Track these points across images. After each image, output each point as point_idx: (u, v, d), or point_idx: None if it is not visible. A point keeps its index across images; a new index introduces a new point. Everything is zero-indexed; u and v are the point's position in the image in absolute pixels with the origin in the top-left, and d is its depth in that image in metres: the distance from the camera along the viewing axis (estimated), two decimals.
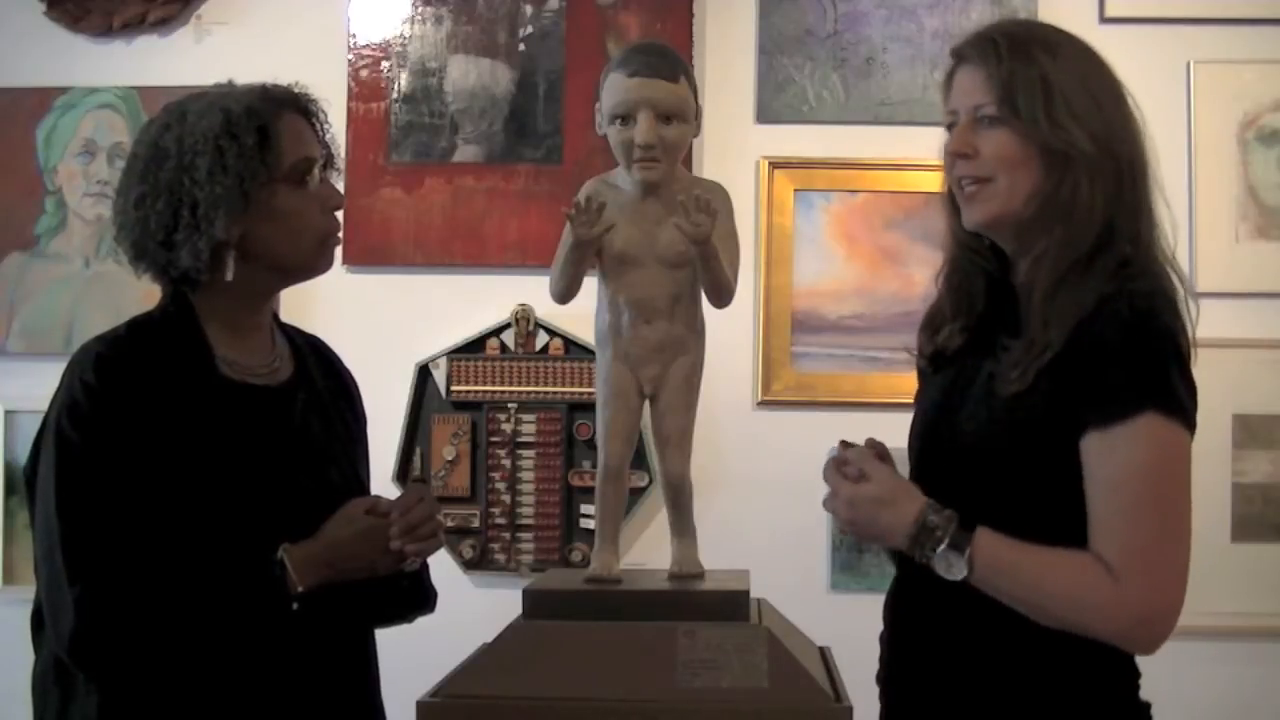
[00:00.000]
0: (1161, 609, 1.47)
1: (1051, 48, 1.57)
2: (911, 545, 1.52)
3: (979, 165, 1.59)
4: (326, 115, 1.79)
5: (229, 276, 1.68)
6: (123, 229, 1.70)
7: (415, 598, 1.84)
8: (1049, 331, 1.52)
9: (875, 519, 1.56)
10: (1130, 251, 1.55)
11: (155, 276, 1.72)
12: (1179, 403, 1.48)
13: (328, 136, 1.79)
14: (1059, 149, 1.54)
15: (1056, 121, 1.54)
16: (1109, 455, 1.48)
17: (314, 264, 1.76)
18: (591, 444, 2.95)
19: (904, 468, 1.68)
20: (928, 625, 1.60)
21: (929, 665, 1.60)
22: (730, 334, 2.93)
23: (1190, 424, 1.50)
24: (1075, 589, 1.47)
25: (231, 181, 1.64)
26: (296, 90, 1.76)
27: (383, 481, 2.82)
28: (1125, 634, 1.49)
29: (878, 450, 1.64)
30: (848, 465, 1.59)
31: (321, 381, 1.83)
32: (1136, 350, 1.48)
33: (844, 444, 1.63)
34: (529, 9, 3.13)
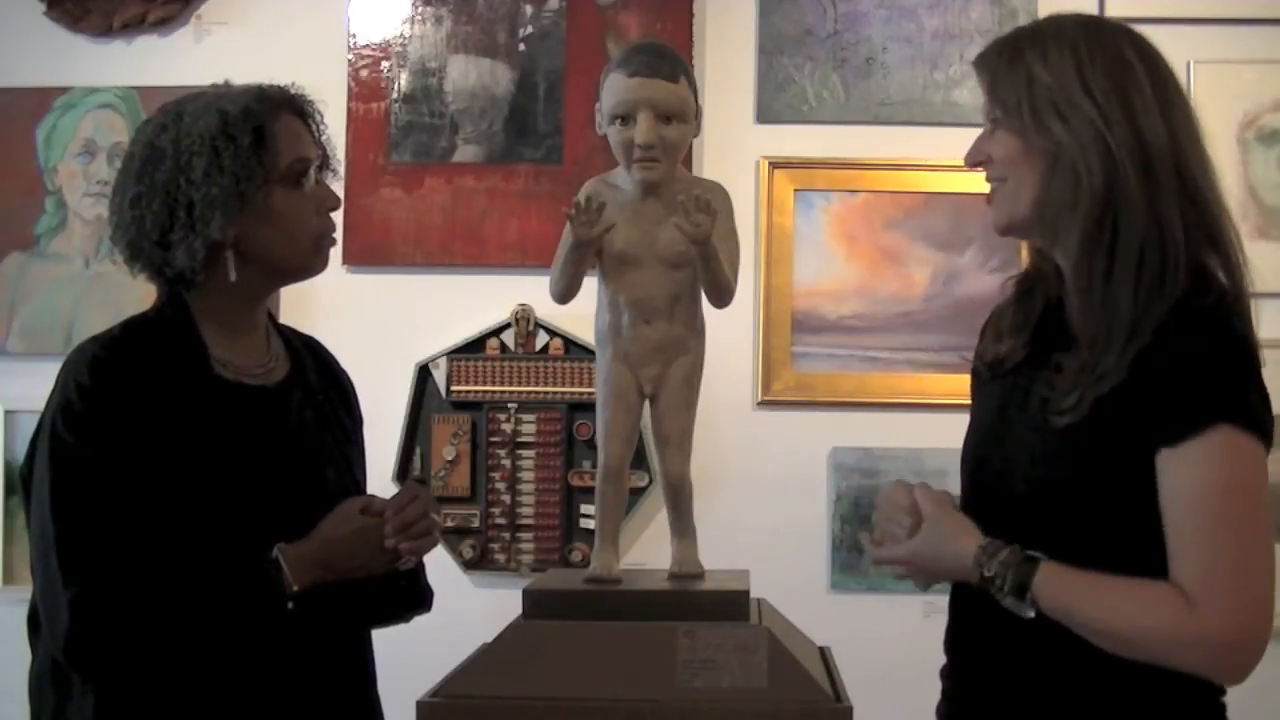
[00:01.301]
0: (1245, 635, 1.40)
1: (1043, 45, 1.54)
2: (980, 585, 1.48)
3: (992, 169, 1.59)
4: (323, 116, 1.79)
5: (232, 277, 1.68)
6: (118, 229, 1.70)
7: (412, 597, 1.84)
8: (1104, 357, 1.46)
9: (938, 564, 1.52)
10: (1172, 252, 1.47)
11: (151, 276, 1.72)
12: (1253, 414, 1.42)
13: (324, 137, 1.79)
14: (1047, 147, 1.52)
15: (1039, 118, 1.51)
16: (1183, 472, 1.41)
17: (309, 265, 1.76)
18: (591, 444, 2.95)
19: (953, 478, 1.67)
20: (993, 661, 1.55)
21: (997, 700, 1.55)
22: (730, 334, 2.93)
23: (1266, 436, 1.43)
24: (1150, 620, 1.40)
25: (227, 182, 1.64)
26: (293, 91, 1.76)
27: (383, 481, 2.82)
28: (1206, 665, 1.42)
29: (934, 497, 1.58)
30: (888, 508, 1.56)
31: (317, 382, 1.83)
32: (1205, 363, 1.42)
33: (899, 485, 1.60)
34: (529, 9, 3.12)
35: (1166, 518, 1.43)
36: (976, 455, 1.64)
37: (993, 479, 1.58)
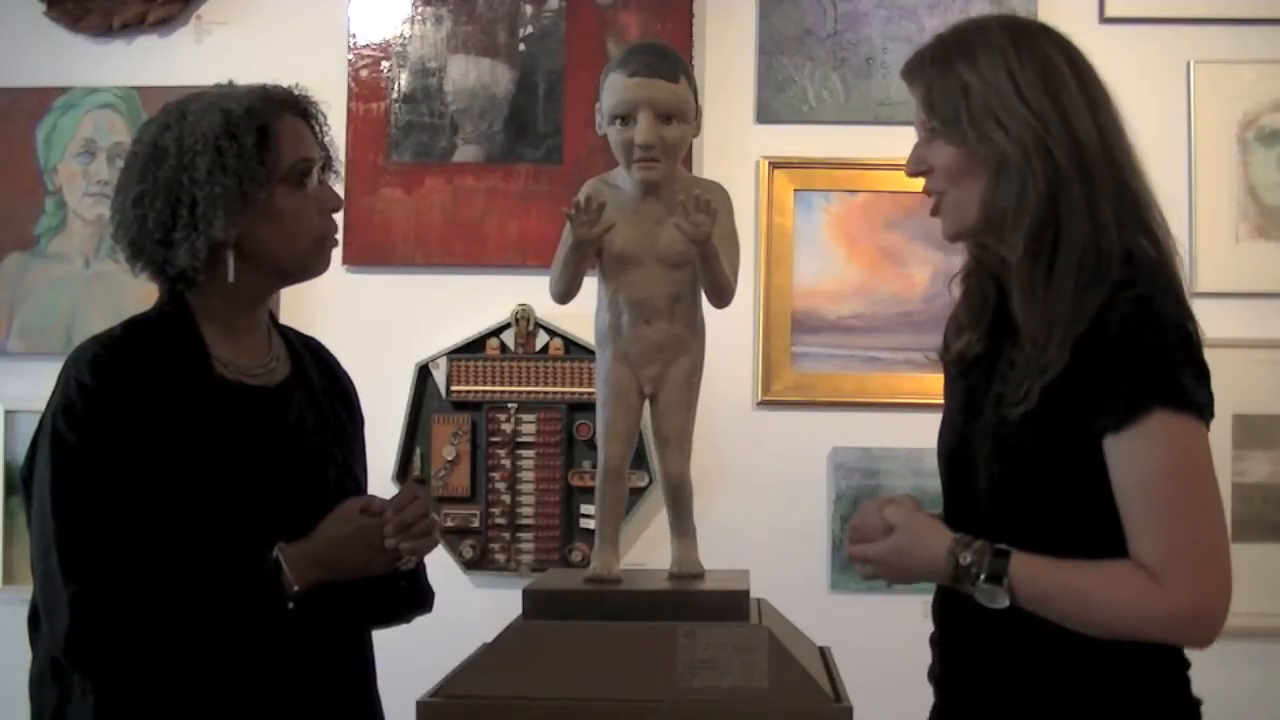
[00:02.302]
0: (1207, 604, 1.46)
1: (971, 52, 1.56)
2: (954, 583, 1.53)
3: (934, 180, 1.62)
4: (326, 118, 1.80)
5: (231, 277, 1.68)
6: (121, 227, 1.70)
7: (412, 598, 1.84)
8: (1045, 349, 1.51)
9: (909, 569, 1.57)
10: (1105, 246, 1.51)
11: (152, 275, 1.72)
12: (1187, 396, 1.48)
13: (326, 139, 1.79)
14: (989, 156, 1.54)
15: (979, 127, 1.54)
16: (1127, 459, 1.48)
17: (310, 265, 1.76)
18: (591, 444, 2.95)
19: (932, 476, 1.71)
20: (978, 625, 1.58)
21: (982, 665, 1.60)
22: (730, 334, 2.93)
23: (1204, 415, 1.50)
24: (1118, 599, 1.46)
25: (231, 181, 1.64)
26: (296, 92, 1.76)
27: (383, 481, 2.82)
28: (1175, 634, 1.49)
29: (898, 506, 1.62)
30: (863, 528, 1.60)
31: (318, 382, 1.83)
32: (1139, 350, 1.48)
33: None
34: (529, 9, 3.12)
35: (1119, 501, 1.49)
36: (947, 449, 1.70)
37: (962, 471, 1.63)
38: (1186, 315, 1.52)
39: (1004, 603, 1.49)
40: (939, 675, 1.69)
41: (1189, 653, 1.57)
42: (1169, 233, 1.58)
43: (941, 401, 1.76)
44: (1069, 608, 1.49)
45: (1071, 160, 1.52)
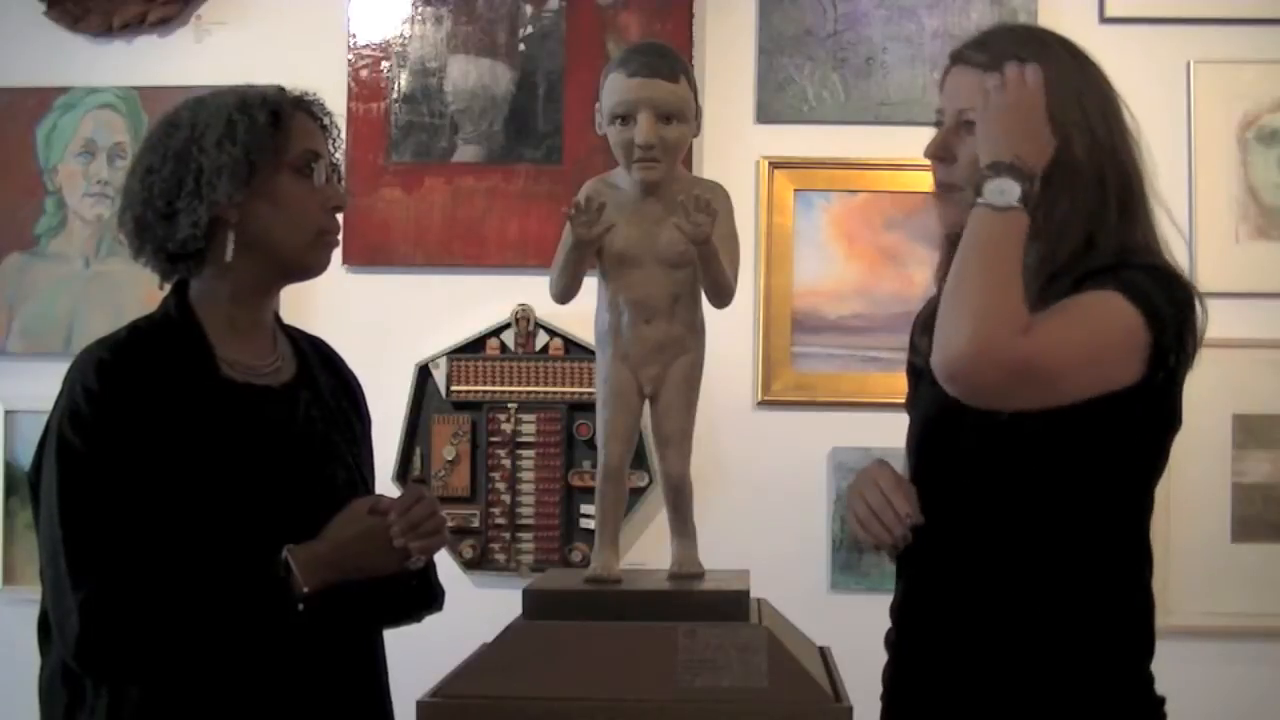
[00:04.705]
0: (1016, 371, 1.44)
1: (1043, 59, 1.56)
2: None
3: (952, 171, 1.61)
4: (340, 132, 1.82)
5: (228, 257, 1.68)
6: (128, 205, 1.70)
7: (423, 597, 1.84)
8: None
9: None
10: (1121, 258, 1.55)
11: (153, 256, 1.71)
12: (1147, 298, 1.47)
13: (337, 155, 1.80)
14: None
15: None
16: (1072, 299, 1.48)
17: (309, 261, 1.75)
18: (591, 444, 2.95)
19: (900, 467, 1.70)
20: (938, 628, 1.61)
21: (939, 667, 1.61)
22: (730, 334, 2.93)
23: (1154, 320, 1.48)
24: (1001, 298, 1.44)
25: (239, 152, 1.65)
26: (311, 97, 1.78)
27: (383, 481, 2.81)
28: (978, 365, 1.45)
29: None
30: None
31: (325, 381, 1.83)
32: (1126, 270, 1.50)
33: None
34: (529, 9, 3.13)
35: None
36: (921, 447, 1.69)
37: (938, 464, 1.63)
38: (1183, 286, 1.53)
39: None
40: (892, 676, 1.70)
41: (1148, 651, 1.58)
42: (1169, 252, 1.60)
43: None
44: (979, 265, 1.47)
45: (1116, 185, 1.55)
